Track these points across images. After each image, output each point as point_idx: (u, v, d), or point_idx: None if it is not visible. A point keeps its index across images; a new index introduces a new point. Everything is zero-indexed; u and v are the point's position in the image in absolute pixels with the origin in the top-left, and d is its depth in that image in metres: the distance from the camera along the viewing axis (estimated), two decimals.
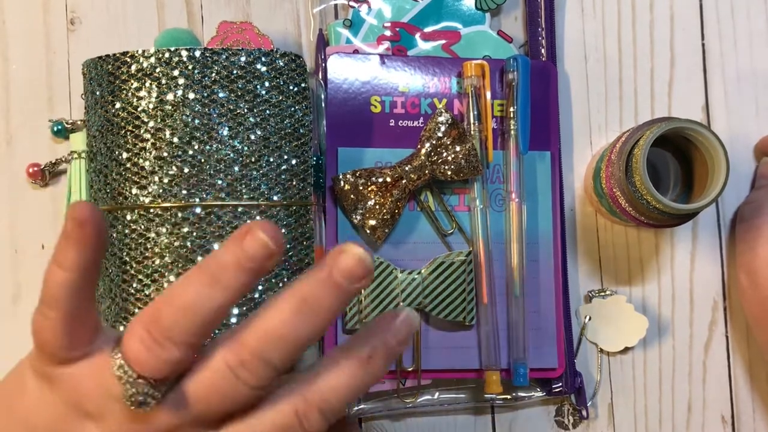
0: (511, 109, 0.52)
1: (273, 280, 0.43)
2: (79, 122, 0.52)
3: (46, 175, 0.52)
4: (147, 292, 0.43)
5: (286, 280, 0.44)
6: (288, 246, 0.44)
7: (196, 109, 0.42)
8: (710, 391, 0.55)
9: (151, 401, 0.32)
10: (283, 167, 0.44)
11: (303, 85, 0.45)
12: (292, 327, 0.32)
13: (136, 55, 0.43)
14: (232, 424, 0.34)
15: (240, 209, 0.43)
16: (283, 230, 0.44)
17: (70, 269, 0.33)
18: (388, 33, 0.54)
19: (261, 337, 0.32)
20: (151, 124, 0.42)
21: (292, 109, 0.44)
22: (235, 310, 0.43)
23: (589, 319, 0.54)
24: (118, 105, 0.43)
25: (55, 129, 0.52)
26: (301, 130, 0.44)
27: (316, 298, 0.32)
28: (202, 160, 0.42)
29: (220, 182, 0.42)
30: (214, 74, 0.42)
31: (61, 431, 0.35)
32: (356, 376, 0.34)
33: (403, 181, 0.50)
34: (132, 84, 0.43)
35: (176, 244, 0.42)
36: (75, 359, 0.34)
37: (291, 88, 0.44)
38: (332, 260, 0.32)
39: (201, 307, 0.32)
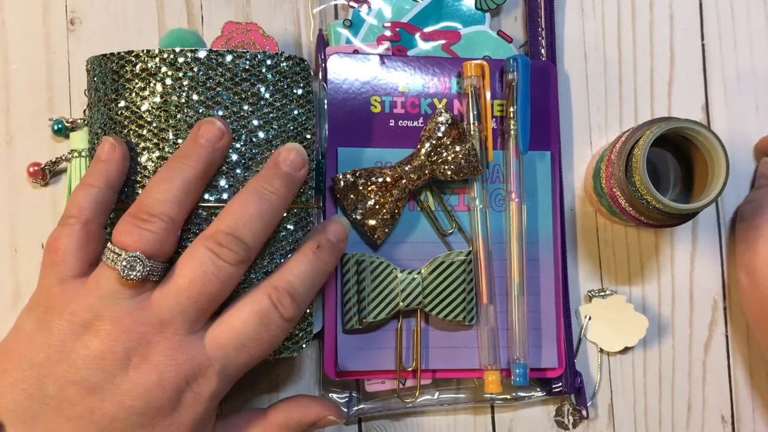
0: (511, 109, 0.52)
1: None
2: (79, 121, 0.52)
3: (47, 174, 0.52)
4: None
5: None
6: (288, 249, 0.44)
7: (200, 110, 0.42)
8: (710, 391, 0.55)
9: (141, 268, 0.38)
10: None
11: (307, 88, 0.45)
12: (254, 208, 0.40)
13: (141, 54, 0.43)
14: (215, 322, 0.40)
15: None
16: (283, 233, 0.44)
17: (97, 185, 0.40)
18: (388, 33, 0.54)
19: (230, 221, 0.39)
20: (155, 124, 0.42)
21: (296, 112, 0.44)
22: None
23: (589, 318, 0.54)
24: (121, 104, 0.43)
25: (56, 128, 0.52)
26: (304, 134, 0.44)
27: (272, 185, 0.41)
28: None
29: (222, 183, 0.42)
30: (218, 76, 0.42)
31: (57, 354, 0.37)
32: (311, 262, 0.42)
33: (403, 181, 0.50)
34: (136, 83, 0.43)
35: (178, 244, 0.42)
36: (77, 275, 0.39)
37: (295, 91, 0.44)
38: (277, 155, 0.42)
39: (173, 179, 0.39)
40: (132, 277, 0.38)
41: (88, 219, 0.40)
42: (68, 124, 0.52)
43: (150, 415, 0.37)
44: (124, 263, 0.38)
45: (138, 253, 0.38)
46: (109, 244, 0.39)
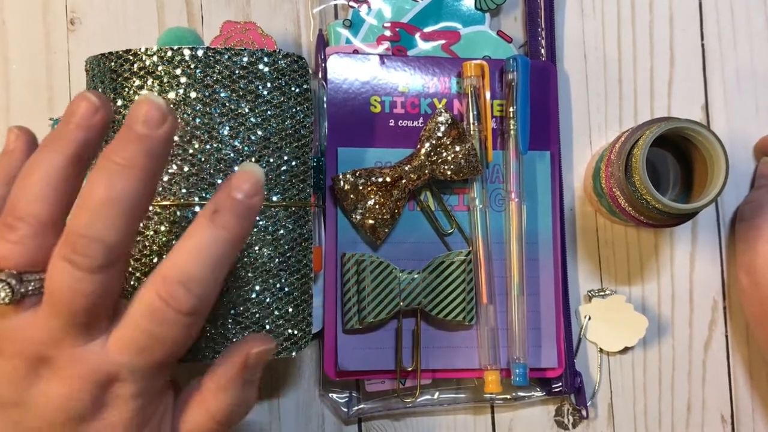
0: (511, 109, 0.52)
1: (270, 281, 0.43)
2: None
3: None
4: None
5: (284, 281, 0.43)
6: (287, 247, 0.44)
7: (198, 108, 0.42)
8: (710, 390, 0.55)
9: (8, 291, 0.33)
10: (283, 168, 0.44)
11: (305, 86, 0.45)
12: (108, 191, 0.32)
13: (139, 52, 0.43)
14: (118, 323, 0.35)
15: None
16: (282, 231, 0.44)
17: None
18: (387, 33, 0.54)
19: (82, 215, 0.32)
20: None
21: (294, 110, 0.44)
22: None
23: (589, 318, 0.54)
24: (120, 102, 0.43)
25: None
26: (302, 132, 0.44)
27: (124, 156, 0.32)
28: (202, 159, 0.42)
29: (219, 182, 0.42)
30: (216, 74, 0.42)
31: None
32: (206, 234, 0.33)
33: (403, 181, 0.50)
34: (134, 82, 0.43)
35: (174, 242, 0.42)
36: None
37: (293, 89, 0.44)
38: (129, 115, 0.33)
39: (39, 172, 0.33)
40: (1, 302, 0.33)
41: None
42: None
43: (73, 425, 0.35)
44: None
45: (3, 274, 0.33)
46: None
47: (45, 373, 0.34)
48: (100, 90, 0.44)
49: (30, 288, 0.34)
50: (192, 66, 0.42)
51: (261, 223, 0.43)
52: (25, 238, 0.33)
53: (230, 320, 0.42)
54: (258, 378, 0.39)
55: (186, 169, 0.42)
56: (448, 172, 0.50)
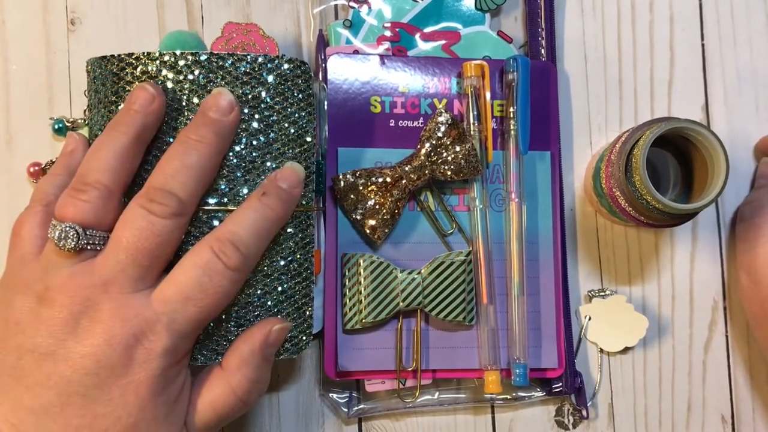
0: (511, 110, 0.52)
1: (272, 285, 0.43)
2: (80, 120, 0.52)
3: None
4: None
5: (286, 285, 0.43)
6: (288, 252, 0.44)
7: None
8: (710, 391, 0.55)
9: (75, 237, 0.38)
10: None
11: (308, 91, 0.44)
12: (183, 159, 0.40)
13: (141, 57, 0.42)
14: (162, 280, 0.40)
15: None
16: (283, 236, 0.43)
17: (60, 173, 0.44)
18: (388, 33, 0.54)
19: (160, 177, 0.40)
20: None
21: (296, 115, 0.44)
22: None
23: (589, 319, 0.54)
24: (120, 106, 0.43)
25: (56, 127, 0.52)
26: (304, 136, 0.44)
27: (198, 134, 0.40)
28: None
29: (222, 187, 0.42)
30: (218, 79, 0.42)
31: (15, 326, 0.38)
32: (256, 210, 0.41)
33: (403, 181, 0.50)
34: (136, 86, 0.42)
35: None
36: (37, 253, 0.41)
37: (296, 94, 0.44)
38: (204, 103, 0.41)
39: (107, 148, 0.40)
40: (67, 246, 0.38)
41: (49, 202, 0.42)
42: (69, 124, 0.52)
43: (103, 375, 0.37)
44: (58, 233, 0.38)
45: (72, 223, 0.39)
46: (52, 218, 0.40)
47: (85, 323, 0.38)
48: (101, 93, 0.43)
49: (90, 242, 0.39)
50: (195, 71, 0.42)
51: None
52: (93, 199, 0.39)
53: (233, 323, 0.43)
54: (272, 359, 0.43)
55: None
56: (449, 173, 0.50)
